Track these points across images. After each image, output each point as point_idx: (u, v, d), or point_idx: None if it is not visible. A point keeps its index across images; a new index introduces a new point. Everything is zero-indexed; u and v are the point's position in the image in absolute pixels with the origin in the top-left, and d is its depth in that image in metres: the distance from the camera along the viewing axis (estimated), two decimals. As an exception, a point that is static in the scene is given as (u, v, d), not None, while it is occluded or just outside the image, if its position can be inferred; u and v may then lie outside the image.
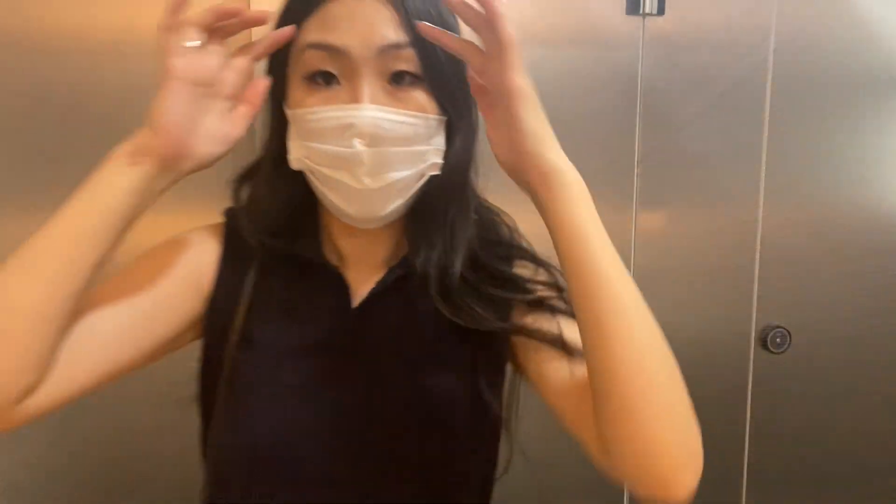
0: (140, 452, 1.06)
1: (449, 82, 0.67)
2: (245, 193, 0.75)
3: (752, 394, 1.31)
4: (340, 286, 0.73)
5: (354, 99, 0.64)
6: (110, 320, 0.64)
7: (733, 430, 1.32)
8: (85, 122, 1.01)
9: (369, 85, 0.64)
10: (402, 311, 0.72)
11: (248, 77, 0.66)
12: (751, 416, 1.32)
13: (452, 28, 0.67)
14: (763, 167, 1.26)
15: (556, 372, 0.68)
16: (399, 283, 0.73)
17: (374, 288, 0.72)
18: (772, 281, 1.29)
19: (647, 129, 1.20)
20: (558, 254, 0.61)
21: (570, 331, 0.68)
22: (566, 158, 0.62)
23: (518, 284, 0.73)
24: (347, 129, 0.63)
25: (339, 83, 0.65)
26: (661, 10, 1.16)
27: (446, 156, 0.69)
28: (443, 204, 0.71)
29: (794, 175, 1.28)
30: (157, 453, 1.06)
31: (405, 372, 0.71)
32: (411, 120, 0.65)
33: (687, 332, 1.26)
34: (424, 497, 0.70)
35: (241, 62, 0.65)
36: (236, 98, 0.65)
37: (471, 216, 0.73)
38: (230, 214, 0.76)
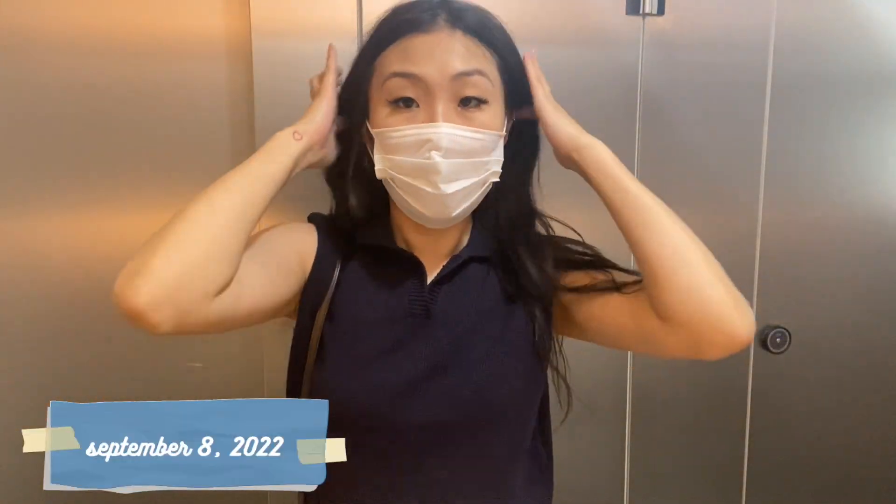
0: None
1: (508, 104, 0.83)
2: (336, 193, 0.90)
3: (752, 394, 1.31)
4: (418, 267, 0.85)
5: (431, 119, 0.78)
6: (258, 267, 0.77)
7: (733, 430, 1.33)
8: (87, 122, 1.01)
9: (443, 107, 0.78)
10: (467, 289, 0.86)
11: None
12: (751, 416, 1.32)
13: (508, 39, 0.84)
14: (763, 167, 1.26)
15: (610, 302, 0.82)
16: (461, 268, 0.86)
17: (443, 269, 0.86)
18: (772, 281, 1.29)
19: (647, 128, 1.20)
20: (603, 197, 0.79)
21: (614, 273, 0.85)
22: (586, 134, 0.82)
23: (573, 250, 0.89)
24: (426, 144, 0.77)
25: (417, 106, 0.79)
26: (661, 10, 1.16)
27: (505, 164, 0.83)
28: (502, 202, 0.87)
29: (794, 175, 1.28)
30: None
31: (473, 336, 0.84)
32: (478, 136, 0.79)
33: (687, 332, 1.26)
34: (492, 439, 0.83)
35: None
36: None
37: (529, 211, 0.89)
38: (315, 219, 0.90)
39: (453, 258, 0.86)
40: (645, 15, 1.16)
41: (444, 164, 0.77)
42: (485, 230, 0.89)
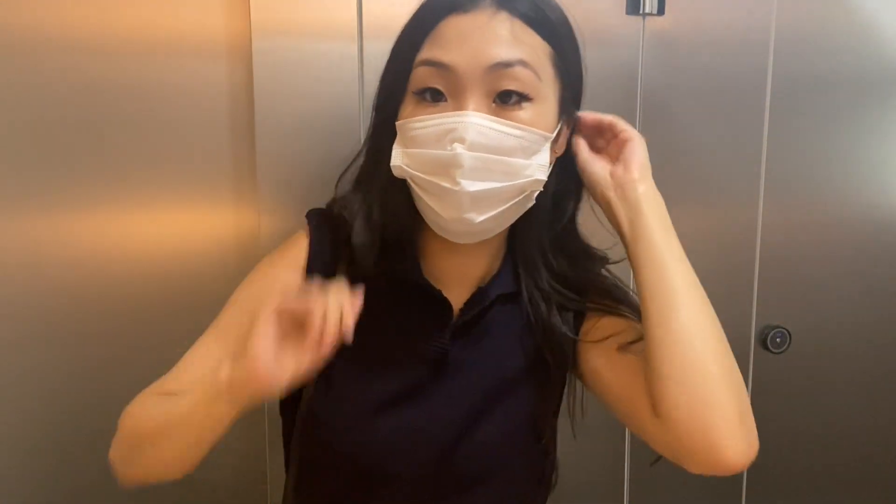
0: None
1: (564, 106, 0.70)
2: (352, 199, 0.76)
3: (752, 394, 1.31)
4: (445, 309, 0.76)
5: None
6: None
7: (733, 430, 1.32)
8: (86, 122, 1.01)
9: (474, 102, 0.65)
10: (491, 334, 0.77)
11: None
12: (751, 416, 1.32)
13: (568, 29, 0.71)
14: (763, 167, 1.26)
15: (611, 360, 0.75)
16: (488, 308, 0.77)
17: (466, 309, 0.76)
18: (772, 281, 1.29)
19: (647, 129, 1.20)
20: (631, 254, 0.71)
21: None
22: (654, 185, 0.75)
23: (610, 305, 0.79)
24: (448, 134, 0.65)
25: (445, 100, 0.67)
26: (661, 10, 1.16)
27: (556, 182, 0.74)
28: (542, 225, 0.75)
29: (794, 175, 1.28)
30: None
31: (493, 385, 0.76)
32: (514, 132, 0.66)
33: (687, 332, 1.26)
34: (500, 495, 0.77)
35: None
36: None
37: (571, 235, 0.79)
38: (313, 220, 0.78)
39: (477, 295, 0.77)
40: (645, 15, 1.16)
41: (466, 156, 0.64)
42: (523, 259, 0.77)
